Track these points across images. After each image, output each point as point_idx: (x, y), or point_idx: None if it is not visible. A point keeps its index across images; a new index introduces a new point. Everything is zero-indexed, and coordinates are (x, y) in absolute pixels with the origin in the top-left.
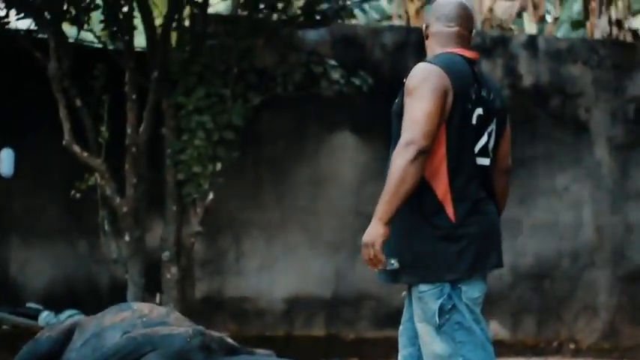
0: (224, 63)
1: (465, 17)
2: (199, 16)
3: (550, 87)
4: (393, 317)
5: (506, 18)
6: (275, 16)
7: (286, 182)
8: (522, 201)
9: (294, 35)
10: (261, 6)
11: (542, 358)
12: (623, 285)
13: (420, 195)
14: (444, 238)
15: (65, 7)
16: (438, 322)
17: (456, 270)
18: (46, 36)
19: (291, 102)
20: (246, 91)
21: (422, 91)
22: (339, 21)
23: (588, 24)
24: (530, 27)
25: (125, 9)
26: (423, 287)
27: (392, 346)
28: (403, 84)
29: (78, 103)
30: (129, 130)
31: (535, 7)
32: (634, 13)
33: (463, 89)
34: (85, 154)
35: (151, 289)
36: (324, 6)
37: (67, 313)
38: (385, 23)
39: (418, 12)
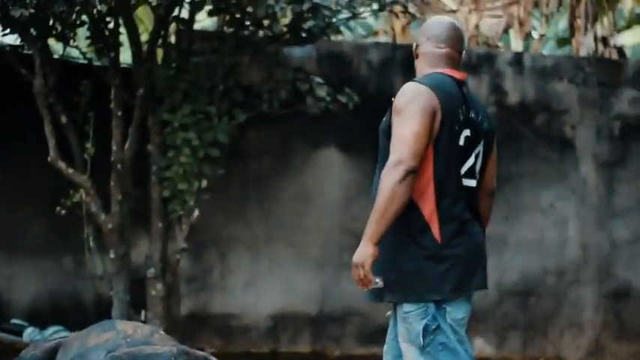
0: (210, 80)
1: (455, 39)
2: (185, 33)
3: (536, 104)
4: (378, 334)
5: (492, 35)
6: (261, 33)
7: (272, 199)
8: (507, 218)
9: (280, 52)
10: (247, 23)
11: None
12: (609, 302)
13: (406, 215)
14: (429, 258)
15: (51, 23)
16: (422, 342)
17: (441, 290)
18: (31, 52)
19: (276, 119)
20: (232, 108)
21: (410, 110)
22: (325, 38)
23: (574, 41)
24: (516, 44)
25: (111, 25)
26: (407, 307)
27: None
28: (391, 102)
29: (63, 119)
30: (114, 147)
31: (521, 24)
32: (619, 30)
33: (451, 110)
34: (71, 170)
35: (136, 306)
36: (310, 23)
37: (52, 329)
38: (371, 39)
39: (404, 29)
